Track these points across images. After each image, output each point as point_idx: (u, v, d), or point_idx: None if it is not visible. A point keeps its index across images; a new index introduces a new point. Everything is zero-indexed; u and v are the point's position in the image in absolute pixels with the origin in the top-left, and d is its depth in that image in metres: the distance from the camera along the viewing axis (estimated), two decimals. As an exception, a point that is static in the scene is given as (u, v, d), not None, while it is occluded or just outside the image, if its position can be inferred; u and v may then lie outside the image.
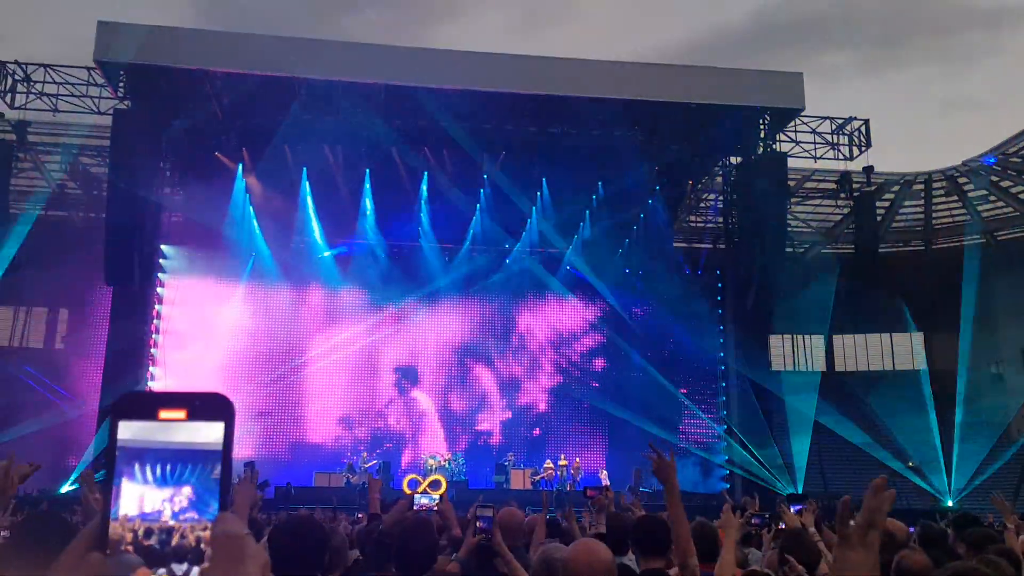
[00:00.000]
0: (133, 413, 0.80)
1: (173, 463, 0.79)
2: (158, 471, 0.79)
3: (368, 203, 27.24)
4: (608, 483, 21.70)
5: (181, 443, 0.79)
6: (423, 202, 27.56)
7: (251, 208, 26.77)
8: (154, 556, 0.79)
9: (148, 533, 0.79)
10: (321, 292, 27.74)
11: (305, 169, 26.47)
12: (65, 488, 21.67)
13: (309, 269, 27.45)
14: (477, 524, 4.15)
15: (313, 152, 25.79)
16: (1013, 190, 32.57)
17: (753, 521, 6.88)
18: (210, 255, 26.23)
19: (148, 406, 0.80)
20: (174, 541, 0.79)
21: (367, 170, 26.55)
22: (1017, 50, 57.26)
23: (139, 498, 0.80)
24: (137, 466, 0.80)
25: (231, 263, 26.56)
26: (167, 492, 0.80)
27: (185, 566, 0.78)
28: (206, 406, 0.80)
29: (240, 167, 26.13)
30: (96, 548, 0.78)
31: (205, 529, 0.79)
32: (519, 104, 24.83)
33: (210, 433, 0.79)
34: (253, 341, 26.88)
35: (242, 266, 26.78)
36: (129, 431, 0.80)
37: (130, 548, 0.78)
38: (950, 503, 28.86)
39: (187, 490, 0.80)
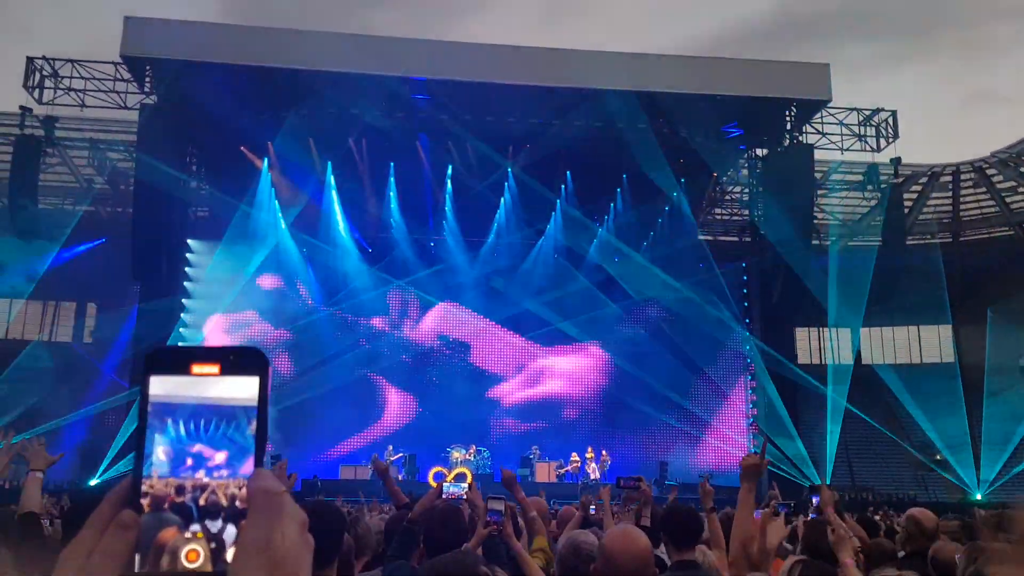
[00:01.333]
0: (165, 367, 0.77)
1: (207, 419, 0.76)
2: (191, 427, 0.76)
3: (393, 196, 27.28)
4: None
5: (215, 398, 0.76)
6: (448, 195, 27.53)
7: (276, 202, 26.89)
8: (187, 513, 0.76)
9: (180, 490, 0.76)
10: (347, 285, 27.77)
11: (330, 163, 26.53)
12: (94, 481, 21.92)
13: (335, 262, 27.53)
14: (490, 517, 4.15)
15: (338, 146, 25.84)
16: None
17: (779, 510, 6.81)
18: (236, 248, 26.36)
19: (180, 360, 0.77)
20: (206, 498, 0.76)
21: (391, 164, 26.58)
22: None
23: (171, 455, 0.77)
24: (169, 421, 0.77)
25: (257, 256, 26.67)
26: (200, 448, 0.76)
27: (220, 523, 0.75)
28: (240, 360, 0.77)
29: (266, 161, 26.24)
30: (128, 505, 0.75)
31: (240, 487, 0.76)
32: (544, 97, 24.75)
33: (245, 388, 0.76)
34: (279, 334, 27.02)
35: (268, 259, 26.88)
36: (161, 386, 0.77)
37: (164, 506, 0.75)
38: (978, 496, 28.55)
39: (221, 447, 0.77)
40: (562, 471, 25.65)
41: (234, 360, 0.74)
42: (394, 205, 27.43)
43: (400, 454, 25.27)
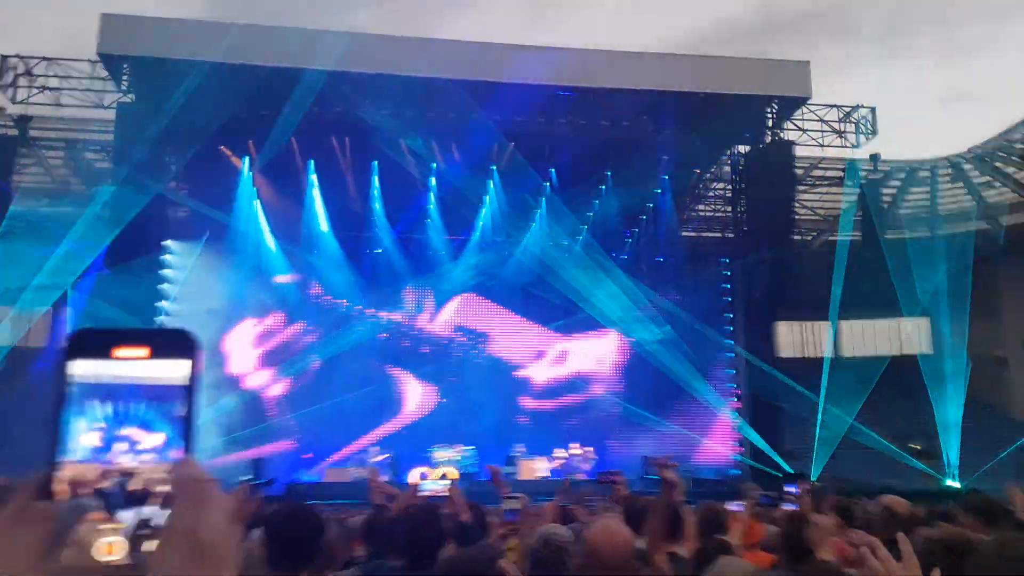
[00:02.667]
0: (92, 349, 0.74)
1: (135, 402, 0.74)
2: (119, 410, 0.74)
3: (376, 195, 27.15)
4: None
5: (144, 381, 0.73)
6: (432, 194, 27.40)
7: (258, 201, 26.70)
8: (112, 500, 0.73)
9: (105, 475, 0.74)
10: (329, 285, 27.58)
11: (312, 162, 26.38)
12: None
13: (317, 262, 27.34)
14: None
15: (320, 144, 25.68)
16: (1018, 176, 32.53)
17: (761, 502, 6.92)
18: (216, 249, 26.15)
19: (108, 342, 0.75)
20: (133, 484, 0.73)
21: (375, 163, 26.44)
22: (1015, 43, 57.57)
23: (98, 439, 0.74)
24: (95, 404, 0.74)
25: (238, 256, 26.44)
26: (128, 432, 0.74)
27: (145, 510, 0.73)
28: (170, 343, 0.75)
29: (246, 160, 26.04)
30: (40, 497, 0.72)
31: (167, 472, 0.73)
32: (527, 94, 24.70)
33: (175, 371, 0.74)
34: (261, 336, 26.83)
35: (249, 259, 26.64)
36: (86, 368, 0.74)
37: (88, 491, 0.73)
38: (951, 483, 28.91)
39: (149, 430, 0.74)
40: (548, 467, 25.68)
41: (164, 343, 0.72)
42: (378, 204, 27.29)
43: (385, 455, 25.18)
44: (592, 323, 28.41)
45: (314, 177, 26.59)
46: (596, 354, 29.14)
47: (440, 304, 28.37)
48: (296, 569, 2.78)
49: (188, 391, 0.76)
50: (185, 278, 26.41)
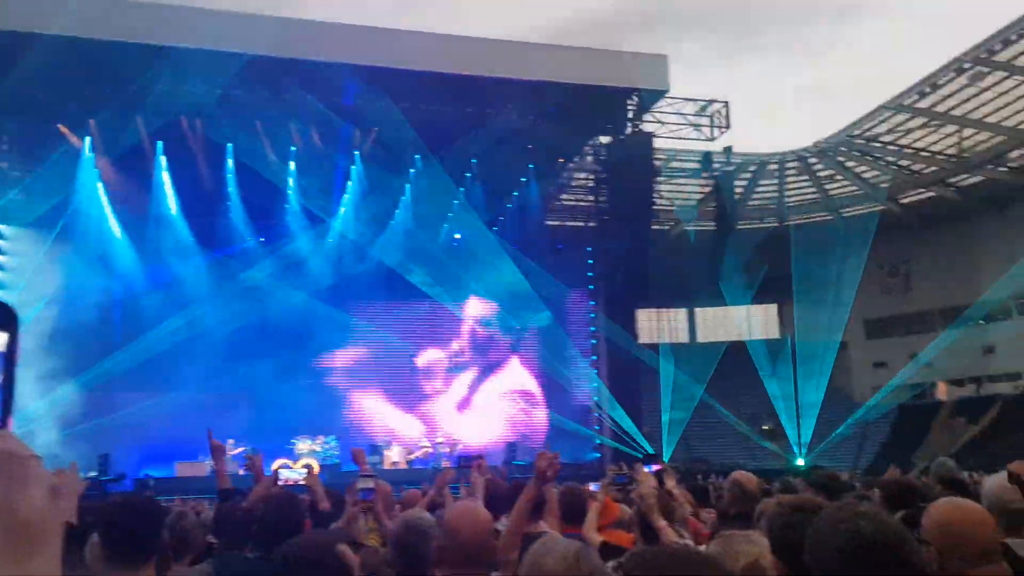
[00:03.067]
0: None
1: None
2: None
3: (231, 179, 26.05)
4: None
5: None
6: (291, 177, 26.49)
7: (100, 184, 25.13)
8: None
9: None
10: (177, 272, 26.08)
11: (161, 143, 25.07)
12: None
13: (163, 248, 25.92)
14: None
15: (170, 125, 24.39)
16: (858, 170, 34.68)
17: (617, 481, 7.08)
18: (54, 233, 24.39)
19: None
20: None
21: (229, 145, 25.33)
22: (859, 43, 61.45)
23: None
24: None
25: (78, 241, 24.74)
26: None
27: None
28: None
29: (87, 140, 24.43)
30: None
31: None
32: (390, 79, 24.27)
33: None
34: (104, 324, 25.20)
35: (90, 244, 24.96)
36: None
37: None
38: (800, 461, 30.77)
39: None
40: (411, 456, 25.65)
41: None
42: (232, 188, 26.22)
43: (242, 448, 24.34)
44: (452, 309, 28.43)
45: (163, 159, 25.28)
46: (459, 342, 29.12)
47: (300, 292, 27.53)
48: (136, 563, 2.55)
49: (4, 362, 0.77)
50: (19, 263, 24.62)
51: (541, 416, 28.88)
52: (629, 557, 1.89)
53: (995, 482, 3.41)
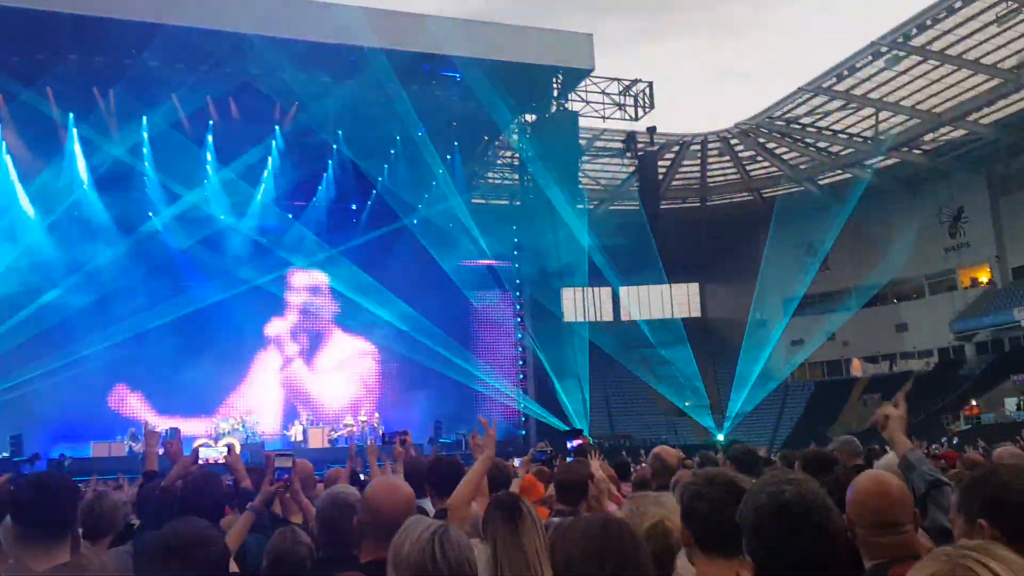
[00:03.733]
0: None
1: None
2: None
3: (147, 154, 25.12)
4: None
5: None
6: (209, 153, 25.74)
7: (6, 157, 24.00)
8: None
9: None
10: (87, 246, 25.02)
11: (72, 115, 24.05)
12: None
13: (75, 224, 24.90)
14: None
15: (82, 96, 23.38)
16: (778, 151, 35.45)
17: (537, 458, 7.22)
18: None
19: None
20: None
21: (144, 117, 24.41)
22: (777, 25, 62.38)
23: None
24: None
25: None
26: None
27: None
28: None
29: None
30: None
31: None
32: (316, 54, 23.69)
33: None
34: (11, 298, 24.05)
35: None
36: None
37: None
38: (720, 437, 31.55)
39: None
40: (335, 435, 25.40)
41: None
42: (148, 163, 25.31)
43: (161, 428, 23.73)
44: (377, 289, 28.18)
45: (75, 131, 24.26)
46: (381, 322, 28.75)
47: (217, 271, 26.89)
48: (50, 542, 2.49)
49: None
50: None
51: (468, 394, 28.91)
52: (555, 529, 1.95)
53: (885, 462, 3.65)
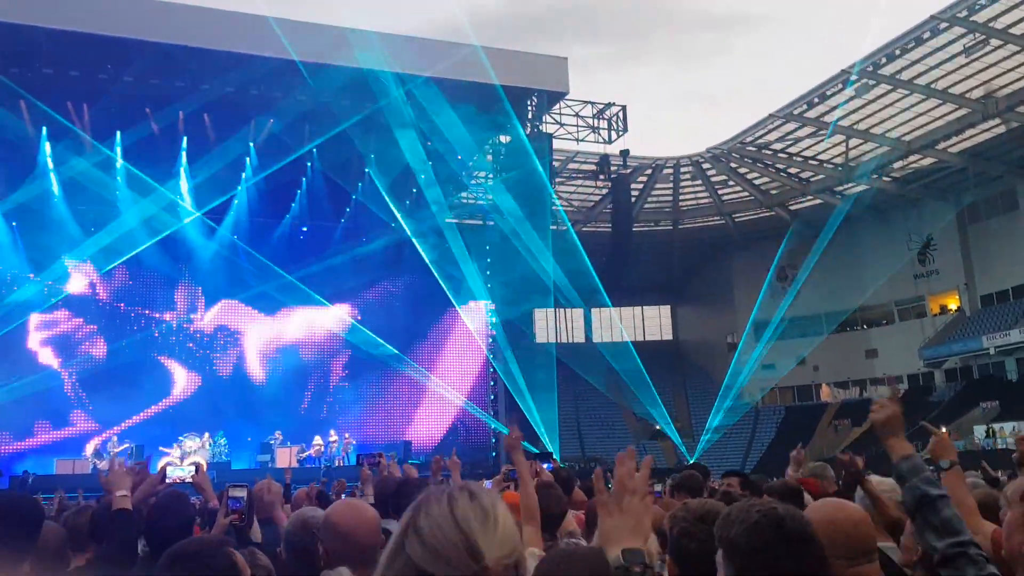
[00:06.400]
0: None
1: None
2: None
3: (121, 169, 24.92)
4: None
5: None
6: (182, 169, 25.63)
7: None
8: None
9: None
10: (54, 258, 24.78)
11: (46, 128, 23.86)
12: None
13: (45, 233, 24.62)
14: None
15: (56, 110, 23.14)
16: (749, 176, 35.82)
17: (511, 476, 7.20)
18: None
19: None
20: None
21: (118, 132, 24.27)
22: (743, 52, 63.32)
23: None
24: None
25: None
26: None
27: None
28: None
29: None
30: None
31: None
32: (292, 71, 23.62)
33: None
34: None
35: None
36: None
37: None
38: (691, 460, 31.55)
39: None
40: (304, 455, 25.15)
41: None
42: (121, 179, 25.12)
43: (126, 445, 23.44)
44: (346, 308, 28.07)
45: (47, 145, 24.04)
46: (351, 344, 28.57)
47: (183, 284, 26.71)
48: (12, 560, 2.46)
49: None
50: None
51: (439, 414, 28.81)
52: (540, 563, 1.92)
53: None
